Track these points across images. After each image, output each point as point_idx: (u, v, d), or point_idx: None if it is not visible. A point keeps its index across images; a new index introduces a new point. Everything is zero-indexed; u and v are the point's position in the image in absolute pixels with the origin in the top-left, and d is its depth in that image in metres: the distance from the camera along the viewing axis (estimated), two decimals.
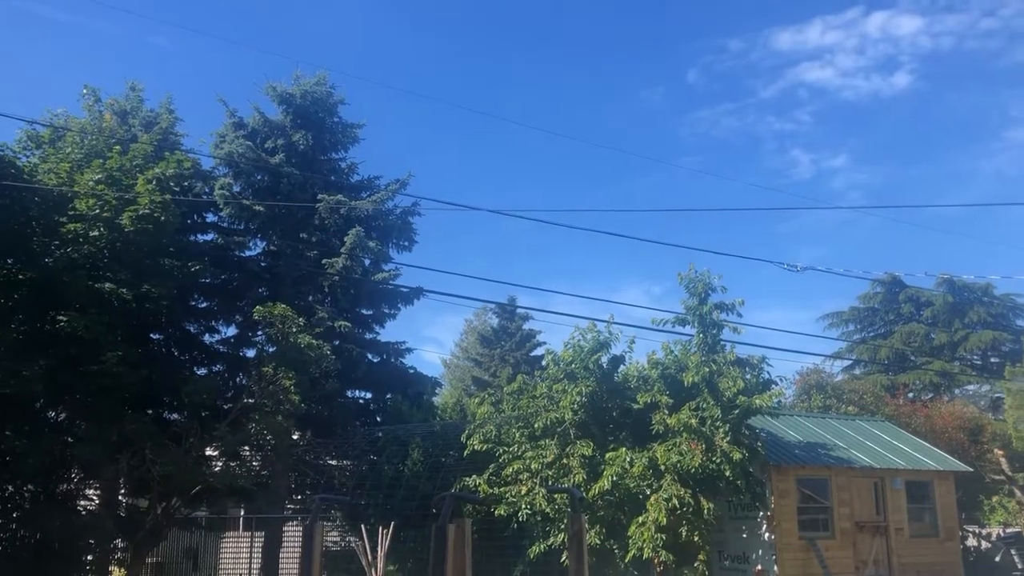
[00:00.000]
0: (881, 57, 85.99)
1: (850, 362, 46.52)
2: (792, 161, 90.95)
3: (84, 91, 22.18)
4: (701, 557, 15.07)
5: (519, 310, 39.84)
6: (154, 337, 20.76)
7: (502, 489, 16.14)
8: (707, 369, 15.53)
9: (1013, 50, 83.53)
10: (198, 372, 21.18)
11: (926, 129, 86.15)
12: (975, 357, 45.29)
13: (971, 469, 21.93)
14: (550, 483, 15.53)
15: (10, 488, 16.66)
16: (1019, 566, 22.52)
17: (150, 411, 18.12)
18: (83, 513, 17.68)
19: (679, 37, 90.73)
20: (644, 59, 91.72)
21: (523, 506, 15.65)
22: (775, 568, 16.30)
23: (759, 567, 16.54)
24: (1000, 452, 29.49)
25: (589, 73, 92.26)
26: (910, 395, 36.83)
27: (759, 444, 16.29)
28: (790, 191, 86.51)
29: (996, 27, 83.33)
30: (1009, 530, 26.95)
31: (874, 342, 45.98)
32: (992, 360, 43.89)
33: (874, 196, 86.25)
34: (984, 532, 27.36)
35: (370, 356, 23.62)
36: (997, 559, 22.92)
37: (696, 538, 14.83)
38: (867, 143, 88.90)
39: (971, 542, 24.62)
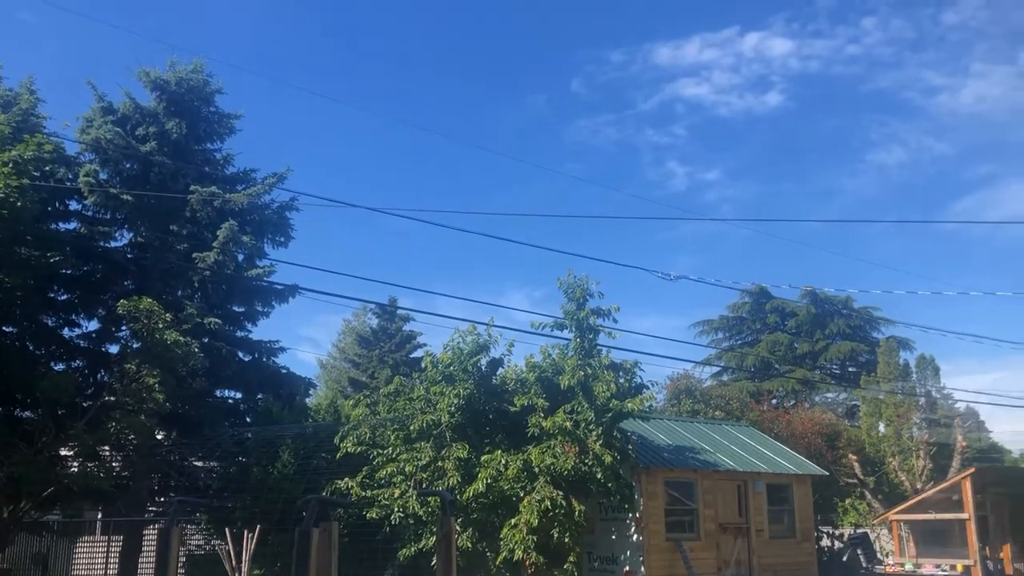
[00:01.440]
0: (754, 76, 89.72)
1: (718, 368, 48.31)
2: (668, 173, 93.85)
3: None
4: (571, 559, 15.23)
5: (400, 311, 39.45)
6: (6, 330, 19.57)
7: (375, 492, 15.90)
8: (583, 373, 15.73)
9: (874, 76, 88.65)
10: (55, 367, 20.10)
11: (795, 147, 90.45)
12: (834, 366, 47.75)
13: (827, 473, 23.05)
14: (424, 486, 15.40)
15: None
16: (864, 564, 23.78)
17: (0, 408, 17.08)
18: None
19: (564, 45, 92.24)
20: (530, 65, 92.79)
21: (396, 509, 15.46)
22: (642, 569, 16.65)
23: (627, 568, 16.86)
24: (854, 457, 31.19)
25: (481, 77, 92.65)
26: (774, 401, 38.42)
27: (630, 447, 16.61)
28: (667, 202, 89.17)
29: (859, 54, 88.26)
30: (858, 531, 28.42)
31: (741, 350, 47.80)
32: (850, 369, 46.38)
33: (745, 209, 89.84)
34: (837, 533, 28.77)
35: (241, 355, 22.93)
36: (844, 559, 24.13)
37: (567, 539, 14.98)
38: (739, 158, 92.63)
39: (825, 542, 25.85)
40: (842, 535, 28.31)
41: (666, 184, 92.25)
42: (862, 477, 31.57)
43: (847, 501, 32.24)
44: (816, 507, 22.42)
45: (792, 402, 41.27)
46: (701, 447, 20.05)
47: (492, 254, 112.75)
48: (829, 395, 46.23)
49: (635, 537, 17.02)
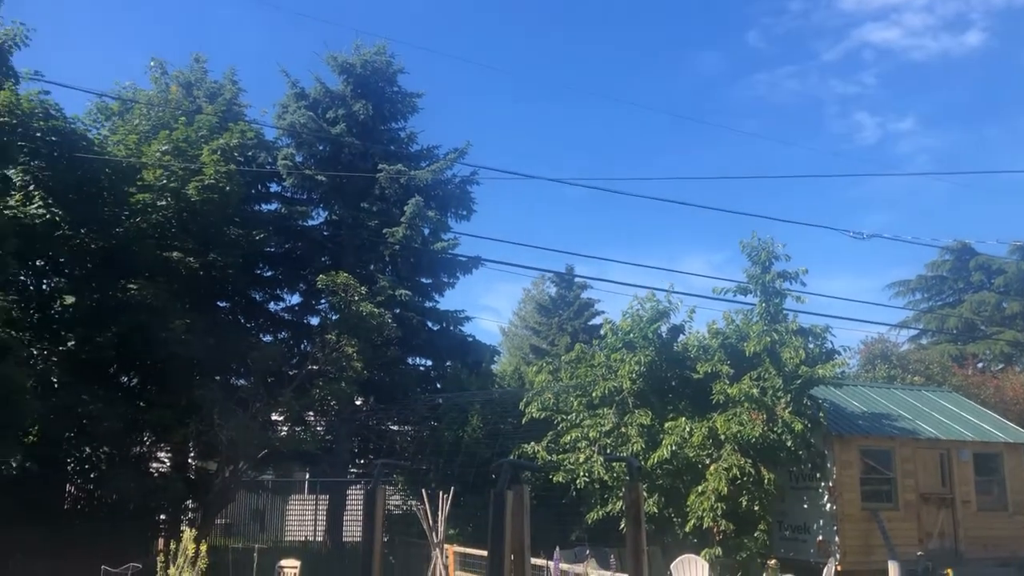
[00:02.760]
0: (951, 15, 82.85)
1: (917, 332, 45.54)
2: (856, 125, 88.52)
3: (151, 63, 22.69)
4: (761, 527, 15.02)
5: (577, 279, 39.66)
6: (221, 305, 21.28)
7: (560, 456, 16.25)
8: (769, 339, 15.35)
9: None
10: (264, 339, 21.67)
11: (999, 90, 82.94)
12: None
13: None
14: (608, 451, 15.59)
15: (87, 450, 17.34)
16: None
17: (218, 377, 18.65)
18: (155, 475, 18.35)
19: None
20: (702, 23, 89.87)
21: (581, 474, 15.75)
22: (836, 538, 16.15)
23: (820, 537, 16.41)
24: None
25: (647, 38, 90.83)
26: (979, 365, 35.96)
27: (821, 414, 16.10)
28: (855, 156, 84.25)
29: None
30: None
31: (942, 311, 44.84)
32: None
33: (943, 160, 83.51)
34: None
35: (430, 324, 23.85)
36: None
37: (756, 507, 14.78)
38: (935, 105, 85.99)
39: None
40: None
41: (854, 137, 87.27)
42: None
43: None
44: None
45: (1001, 366, 38.40)
46: (899, 414, 19.13)
47: (668, 219, 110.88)
48: None
49: (828, 506, 16.51)
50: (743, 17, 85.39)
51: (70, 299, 16.02)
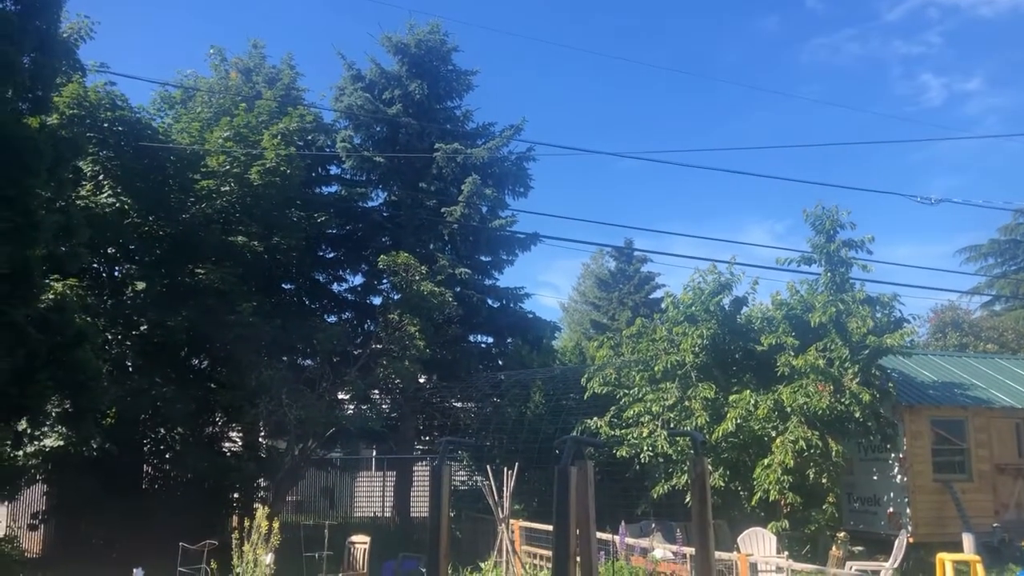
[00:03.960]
0: None
1: (989, 298, 44.17)
2: (922, 87, 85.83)
3: (211, 51, 23.13)
4: (830, 499, 14.81)
5: (636, 253, 39.40)
6: (285, 287, 21.69)
7: (623, 431, 16.23)
8: (834, 309, 15.07)
9: None
10: (328, 320, 22.05)
11: None
12: None
13: None
14: (672, 426, 15.53)
15: (162, 431, 17.90)
16: None
17: (285, 358, 19.03)
18: (227, 455, 18.85)
19: None
20: None
21: (645, 448, 15.71)
22: (908, 511, 15.88)
23: (891, 510, 16.15)
24: None
25: (704, 4, 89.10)
26: None
27: (890, 385, 15.79)
28: (921, 119, 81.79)
29: None
30: None
31: (1017, 276, 43.44)
32: None
33: (1013, 120, 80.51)
34: None
35: (490, 302, 23.97)
36: None
37: (824, 480, 14.57)
38: (1005, 63, 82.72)
39: None
40: None
41: (919, 99, 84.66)
42: None
43: None
44: None
45: None
46: (971, 383, 18.66)
47: (728, 189, 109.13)
48: None
49: (899, 478, 16.23)
50: None
51: (141, 285, 16.48)
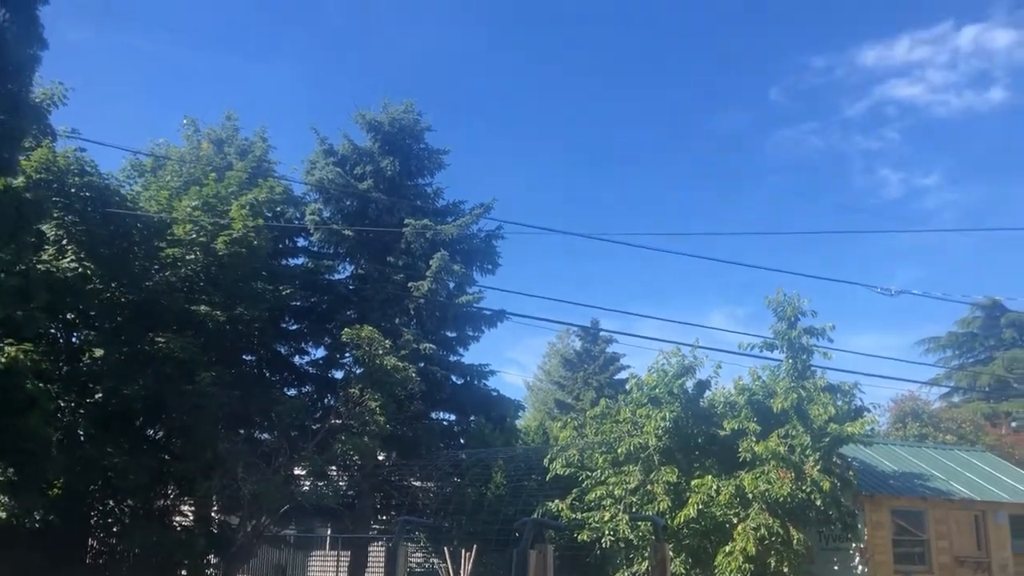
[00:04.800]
0: (974, 72, 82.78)
1: (948, 389, 44.73)
2: (881, 180, 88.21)
3: (184, 121, 23.23)
4: None
5: (602, 333, 39.52)
6: (246, 358, 21.39)
7: (585, 514, 16.02)
8: (796, 395, 15.17)
9: None
10: (288, 393, 21.70)
11: (1022, 146, 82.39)
12: None
13: None
14: (634, 510, 15.36)
15: (111, 503, 17.36)
16: None
17: (242, 430, 18.66)
18: (178, 529, 18.29)
19: (761, 55, 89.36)
20: (725, 81, 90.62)
21: (606, 532, 15.50)
22: None
23: None
24: None
25: (673, 97, 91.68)
26: (1013, 424, 35.19)
27: (851, 473, 15.81)
28: (881, 211, 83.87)
29: None
30: None
31: (974, 368, 44.13)
32: None
33: (970, 216, 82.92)
34: None
35: (454, 378, 23.80)
36: None
37: (785, 568, 14.43)
38: (961, 161, 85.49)
39: None
40: None
41: (879, 192, 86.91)
42: None
43: None
44: None
45: None
46: (931, 474, 18.74)
47: (693, 273, 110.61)
48: None
49: (859, 568, 16.11)
50: (766, 74, 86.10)
51: (99, 352, 16.18)
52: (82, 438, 16.33)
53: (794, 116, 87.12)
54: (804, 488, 14.43)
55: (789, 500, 14.35)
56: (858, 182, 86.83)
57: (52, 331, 16.92)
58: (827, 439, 14.88)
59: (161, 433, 18.68)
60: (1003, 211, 79.16)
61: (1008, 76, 79.98)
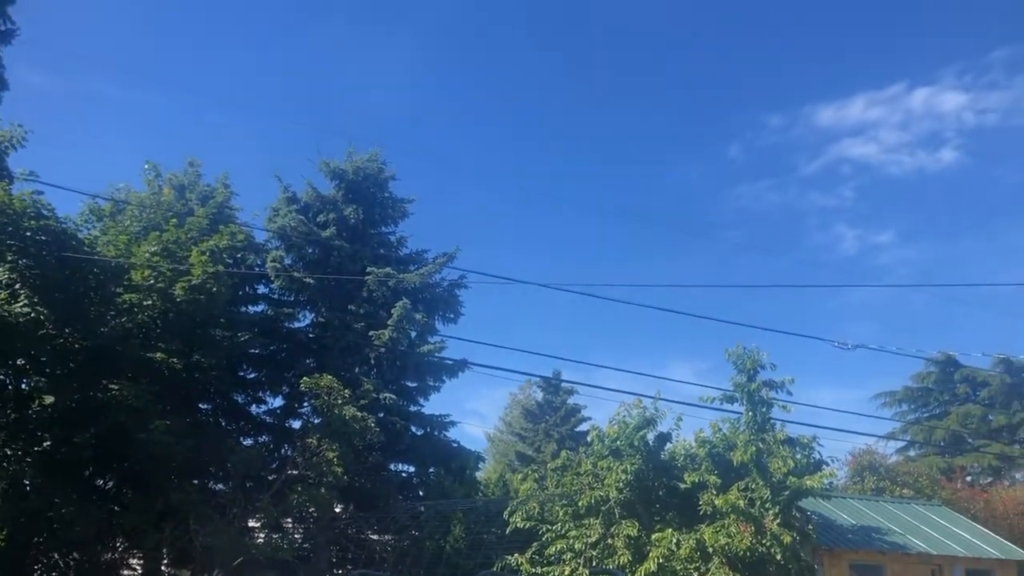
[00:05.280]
0: (925, 133, 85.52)
1: (904, 443, 45.22)
2: (837, 236, 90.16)
3: (146, 166, 23.04)
4: None
5: (564, 384, 39.49)
6: (202, 407, 20.99)
7: (545, 569, 15.83)
8: (756, 448, 15.22)
9: None
10: (244, 442, 21.29)
11: (974, 205, 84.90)
12: None
13: None
14: (594, 563, 15.21)
15: (55, 556, 16.76)
16: None
17: (196, 481, 18.24)
18: None
19: (719, 112, 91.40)
20: (684, 137, 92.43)
21: None
22: None
23: None
24: None
25: (632, 150, 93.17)
26: (968, 479, 35.64)
27: (810, 527, 15.83)
28: (837, 267, 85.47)
29: None
30: None
31: (929, 423, 44.67)
32: None
33: (924, 272, 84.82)
34: None
35: (414, 429, 23.53)
36: None
37: None
38: (914, 218, 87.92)
39: None
40: None
41: (835, 248, 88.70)
42: None
43: None
44: None
45: (989, 480, 38.08)
46: (889, 528, 18.83)
47: (655, 326, 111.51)
48: None
49: None
50: (724, 131, 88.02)
51: (49, 399, 15.78)
52: (27, 488, 15.81)
53: (752, 173, 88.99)
54: (764, 542, 14.41)
55: (749, 554, 14.31)
56: (815, 238, 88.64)
57: (1, 377, 16.49)
58: (786, 492, 14.91)
59: (111, 483, 18.17)
60: (955, 268, 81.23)
61: (958, 137, 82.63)
